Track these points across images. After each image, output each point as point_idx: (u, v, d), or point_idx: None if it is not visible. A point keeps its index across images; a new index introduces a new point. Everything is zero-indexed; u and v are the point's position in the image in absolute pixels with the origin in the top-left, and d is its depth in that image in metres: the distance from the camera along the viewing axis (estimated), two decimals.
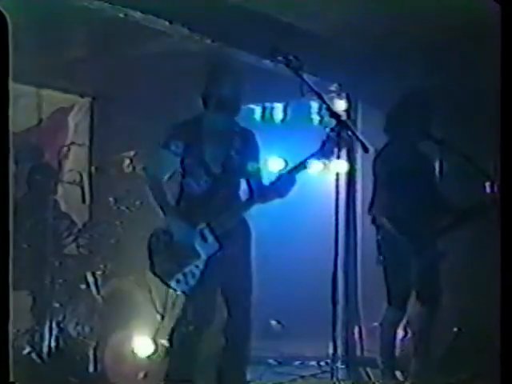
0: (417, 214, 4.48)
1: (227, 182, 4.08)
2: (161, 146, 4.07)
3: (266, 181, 4.14)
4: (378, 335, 4.65)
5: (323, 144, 3.76)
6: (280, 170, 7.16)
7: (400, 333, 4.78)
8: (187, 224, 3.98)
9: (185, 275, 3.97)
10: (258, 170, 4.21)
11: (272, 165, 7.02)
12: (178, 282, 3.98)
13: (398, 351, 4.67)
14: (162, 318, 5.32)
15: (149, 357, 4.93)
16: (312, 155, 3.86)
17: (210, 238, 3.97)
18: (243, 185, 4.19)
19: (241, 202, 4.09)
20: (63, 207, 5.75)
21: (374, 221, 4.58)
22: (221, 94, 4.03)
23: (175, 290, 4.08)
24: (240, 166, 4.12)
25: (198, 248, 3.97)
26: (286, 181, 3.94)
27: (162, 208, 4.02)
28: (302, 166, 3.92)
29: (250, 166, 4.17)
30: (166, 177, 4.09)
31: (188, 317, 4.02)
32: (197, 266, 3.97)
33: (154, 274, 4.04)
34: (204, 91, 4.09)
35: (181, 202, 4.10)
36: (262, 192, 4.03)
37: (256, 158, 4.20)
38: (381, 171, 4.54)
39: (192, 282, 3.96)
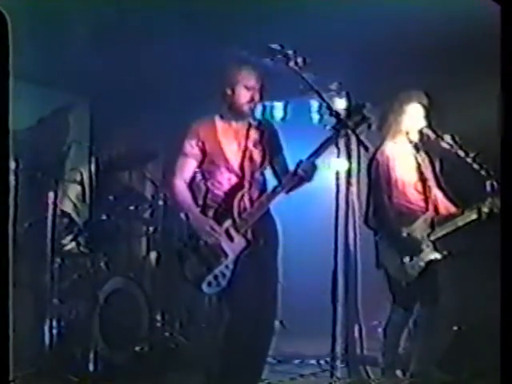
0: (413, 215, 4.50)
1: (248, 175, 4.04)
2: (180, 149, 4.04)
3: (287, 170, 4.10)
4: (382, 338, 4.64)
5: (338, 131, 3.70)
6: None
7: (403, 333, 4.77)
8: (212, 225, 3.93)
9: (216, 277, 3.91)
10: (280, 160, 4.18)
11: None
12: (209, 284, 3.92)
13: (399, 350, 4.67)
14: (163, 317, 5.33)
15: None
16: (329, 139, 3.80)
17: (237, 236, 3.93)
18: (265, 177, 4.16)
19: (264, 195, 4.03)
20: (63, 206, 5.75)
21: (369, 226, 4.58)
22: (246, 87, 4.01)
23: (207, 294, 4.05)
24: (260, 157, 4.10)
25: (226, 247, 3.93)
26: (307, 166, 3.87)
27: (185, 213, 4.02)
28: (322, 149, 3.87)
29: (271, 157, 4.15)
30: (188, 180, 4.07)
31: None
32: (227, 266, 3.92)
33: (186, 279, 3.99)
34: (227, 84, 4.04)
35: (205, 204, 4.04)
36: (287, 181, 3.96)
37: (276, 148, 4.19)
38: (376, 171, 4.54)
39: (223, 282, 3.91)
